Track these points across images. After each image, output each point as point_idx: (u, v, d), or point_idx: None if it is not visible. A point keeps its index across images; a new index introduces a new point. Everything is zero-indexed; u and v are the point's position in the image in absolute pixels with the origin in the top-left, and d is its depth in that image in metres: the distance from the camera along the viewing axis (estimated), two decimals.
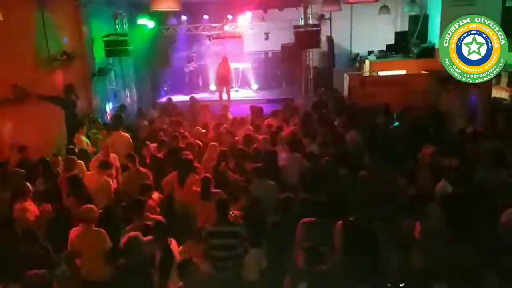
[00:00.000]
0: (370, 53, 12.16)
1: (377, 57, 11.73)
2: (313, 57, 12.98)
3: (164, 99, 12.34)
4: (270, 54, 14.76)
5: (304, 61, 12.44)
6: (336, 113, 8.77)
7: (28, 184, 5.26)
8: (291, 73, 13.92)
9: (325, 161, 5.95)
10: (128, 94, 12.32)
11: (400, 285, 4.18)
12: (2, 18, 6.64)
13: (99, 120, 9.11)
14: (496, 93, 8.35)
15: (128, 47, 10.56)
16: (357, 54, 12.72)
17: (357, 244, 4.02)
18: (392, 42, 11.73)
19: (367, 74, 11.25)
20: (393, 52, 11.59)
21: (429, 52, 10.80)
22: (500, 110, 8.02)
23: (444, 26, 9.83)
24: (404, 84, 10.33)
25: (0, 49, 7.03)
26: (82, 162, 6.57)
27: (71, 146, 7.34)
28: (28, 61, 7.92)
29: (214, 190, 5.41)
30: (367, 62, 11.61)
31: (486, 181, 5.13)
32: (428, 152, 6.19)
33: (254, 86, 14.39)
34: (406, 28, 12.12)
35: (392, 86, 10.33)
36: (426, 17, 11.44)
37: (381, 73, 10.93)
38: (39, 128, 7.84)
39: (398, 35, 11.76)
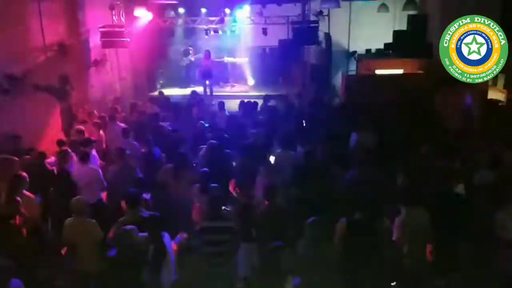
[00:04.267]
0: (368, 51, 12.14)
1: (375, 56, 11.71)
2: (311, 54, 12.94)
3: (156, 92, 12.28)
4: (267, 50, 14.70)
5: (302, 58, 12.40)
6: (332, 112, 8.75)
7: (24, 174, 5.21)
8: (288, 69, 13.87)
9: (318, 159, 5.95)
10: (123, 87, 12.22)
11: (392, 284, 4.23)
12: None
13: (94, 112, 9.01)
14: (492, 94, 8.36)
15: (125, 39, 10.46)
16: (355, 52, 12.70)
17: (359, 243, 4.08)
18: (391, 41, 11.72)
19: (364, 72, 11.24)
20: (391, 51, 11.58)
21: (427, 51, 10.81)
22: (495, 111, 8.04)
23: (443, 26, 9.95)
24: (400, 84, 10.33)
25: None
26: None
27: (61, 139, 7.27)
28: (23, 50, 7.82)
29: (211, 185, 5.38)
30: (364, 60, 11.61)
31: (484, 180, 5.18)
32: (422, 152, 6.22)
33: (251, 81, 14.34)
34: (404, 27, 12.11)
35: (388, 85, 10.33)
36: (425, 17, 11.43)
37: (378, 72, 10.92)
38: (34, 118, 7.77)
39: (396, 34, 11.75)
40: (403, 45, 11.39)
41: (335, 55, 12.85)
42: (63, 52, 8.77)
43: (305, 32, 11.01)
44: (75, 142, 6.94)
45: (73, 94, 8.61)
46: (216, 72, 13.04)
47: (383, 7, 12.23)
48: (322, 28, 12.29)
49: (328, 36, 12.70)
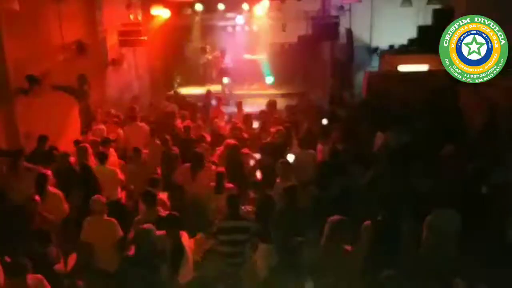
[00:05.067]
0: (391, 47, 11.87)
1: (398, 52, 11.42)
2: (332, 49, 12.71)
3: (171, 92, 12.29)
4: (286, 46, 14.53)
5: (323, 54, 12.21)
6: (355, 110, 8.54)
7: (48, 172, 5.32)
8: (307, 66, 13.67)
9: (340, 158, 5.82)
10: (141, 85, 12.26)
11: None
12: (18, 8, 6.61)
13: (112, 111, 9.04)
14: None
15: (142, 38, 10.49)
16: (377, 48, 12.43)
17: (384, 244, 4.03)
18: (415, 36, 11.40)
19: (387, 69, 10.95)
20: (415, 47, 11.27)
21: None
22: None
23: None
24: (425, 81, 10.01)
25: (15, 39, 7.02)
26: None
27: (78, 139, 7.31)
28: (43, 51, 7.89)
29: (228, 185, 5.38)
30: (387, 56, 11.32)
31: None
32: (449, 151, 6.00)
33: (269, 79, 14.20)
34: (429, 22, 11.76)
35: (412, 83, 10.03)
36: (450, 11, 11.04)
37: (401, 68, 10.62)
38: (53, 118, 7.83)
39: (421, 29, 11.41)
40: (427, 40, 11.04)
41: (357, 51, 12.57)
42: (81, 52, 8.83)
43: (325, 27, 10.80)
44: (94, 142, 6.97)
45: (91, 93, 8.67)
46: (233, 70, 12.93)
47: (407, 1, 11.92)
48: (343, 23, 12.05)
49: (349, 31, 12.44)
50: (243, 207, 4.97)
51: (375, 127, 7.21)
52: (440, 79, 9.89)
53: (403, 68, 10.57)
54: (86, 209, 4.83)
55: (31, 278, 3.71)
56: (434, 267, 4.24)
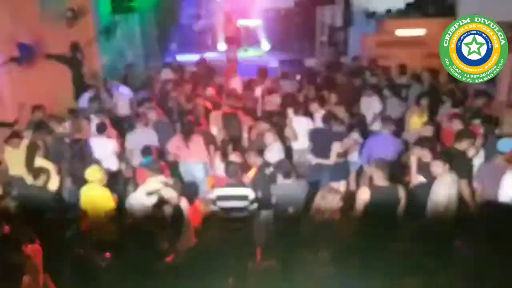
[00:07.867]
0: (388, 11, 11.65)
1: (396, 16, 11.24)
2: (328, 14, 12.48)
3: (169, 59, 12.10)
4: (282, 11, 14.24)
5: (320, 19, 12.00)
6: (350, 75, 8.47)
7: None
8: (304, 31, 13.45)
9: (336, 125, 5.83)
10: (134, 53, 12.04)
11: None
12: None
13: (106, 79, 8.92)
14: None
15: (135, 4, 10.24)
16: (374, 12, 12.20)
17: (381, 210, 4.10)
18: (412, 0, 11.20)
19: (384, 33, 10.81)
20: (413, 11, 11.09)
21: (450, 10, 10.28)
22: None
23: None
24: (422, 45, 9.92)
25: (5, 7, 6.84)
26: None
27: (73, 108, 7.25)
28: (34, 18, 7.68)
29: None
30: (384, 21, 11.15)
31: None
32: (448, 115, 6.04)
33: (265, 45, 13.99)
34: None
35: (409, 47, 9.94)
36: None
37: (398, 33, 10.49)
38: (46, 87, 7.72)
39: None
40: (425, 4, 10.89)
41: (354, 16, 12.34)
42: (74, 19, 8.61)
43: None
44: (87, 110, 6.93)
45: (84, 62, 8.55)
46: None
47: None
48: None
49: None
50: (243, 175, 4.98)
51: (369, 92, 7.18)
52: (437, 42, 9.83)
53: (401, 32, 10.45)
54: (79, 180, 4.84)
55: (30, 248, 3.68)
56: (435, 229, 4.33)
